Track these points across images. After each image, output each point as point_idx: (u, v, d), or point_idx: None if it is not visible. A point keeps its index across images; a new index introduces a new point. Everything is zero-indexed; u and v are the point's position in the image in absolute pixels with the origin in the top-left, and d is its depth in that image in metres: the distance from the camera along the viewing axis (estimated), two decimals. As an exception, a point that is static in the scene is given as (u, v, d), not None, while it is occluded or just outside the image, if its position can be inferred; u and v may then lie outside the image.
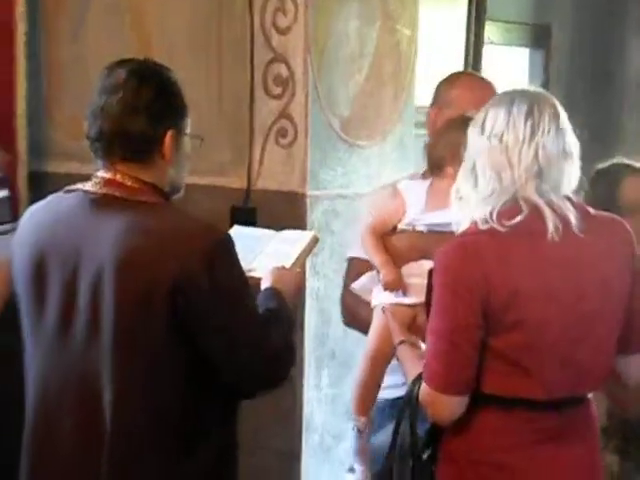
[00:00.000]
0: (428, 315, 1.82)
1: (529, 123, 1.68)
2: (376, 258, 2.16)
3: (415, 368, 1.86)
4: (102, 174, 1.78)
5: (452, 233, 1.92)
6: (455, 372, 1.71)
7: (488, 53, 3.80)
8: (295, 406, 2.64)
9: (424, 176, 2.29)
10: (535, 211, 1.65)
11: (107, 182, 1.77)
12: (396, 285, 2.12)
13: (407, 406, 1.85)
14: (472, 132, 1.77)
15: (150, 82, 1.79)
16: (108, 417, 1.71)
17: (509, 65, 4.26)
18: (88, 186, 1.80)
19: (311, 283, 2.65)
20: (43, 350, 1.85)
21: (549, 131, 1.69)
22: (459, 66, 3.57)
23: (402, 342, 1.99)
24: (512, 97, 1.74)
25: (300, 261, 2.16)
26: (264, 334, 1.79)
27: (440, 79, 2.60)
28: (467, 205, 1.76)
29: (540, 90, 1.83)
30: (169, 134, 1.77)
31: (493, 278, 1.67)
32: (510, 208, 1.66)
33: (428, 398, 1.74)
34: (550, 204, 1.66)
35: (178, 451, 1.76)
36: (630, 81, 4.41)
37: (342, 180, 2.83)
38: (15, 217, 2.52)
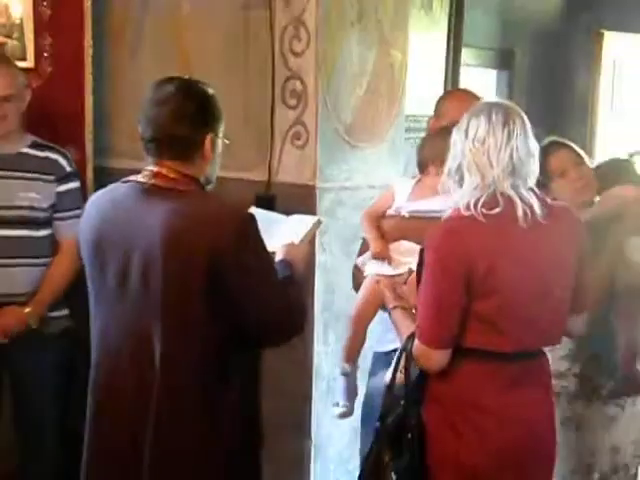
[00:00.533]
0: (419, 285, 2.09)
1: (506, 130, 1.94)
2: (369, 235, 2.53)
3: (408, 328, 2.13)
4: (151, 168, 2.02)
5: (430, 219, 2.29)
6: (442, 330, 1.98)
7: (464, 73, 4.16)
8: (307, 358, 2.90)
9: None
10: (509, 202, 1.92)
11: (155, 175, 2.02)
12: (382, 255, 2.48)
13: (402, 358, 2.07)
14: (457, 137, 2.04)
15: (192, 96, 2.05)
16: (157, 358, 1.96)
17: (480, 83, 4.56)
18: (140, 178, 2.05)
19: (320, 258, 2.96)
20: (105, 308, 2.12)
21: (520, 136, 1.95)
22: (440, 83, 3.91)
23: (395, 307, 2.28)
24: (490, 108, 2.00)
25: (307, 238, 2.42)
26: (284, 294, 2.03)
27: (426, 93, 2.99)
28: (452, 196, 2.03)
29: (510, 103, 2.11)
30: (208, 138, 2.04)
31: (474, 255, 1.93)
32: (490, 200, 1.92)
33: (419, 352, 2.01)
34: (520, 196, 1.94)
35: (215, 383, 2.00)
36: (575, 99, 4.76)
37: (345, 175, 3.12)
38: (85, 203, 2.87)
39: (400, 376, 2.24)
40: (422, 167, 2.47)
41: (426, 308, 2.01)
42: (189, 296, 1.96)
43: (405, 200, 2.49)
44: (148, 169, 2.03)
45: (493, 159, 1.95)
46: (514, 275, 1.95)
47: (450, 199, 2.11)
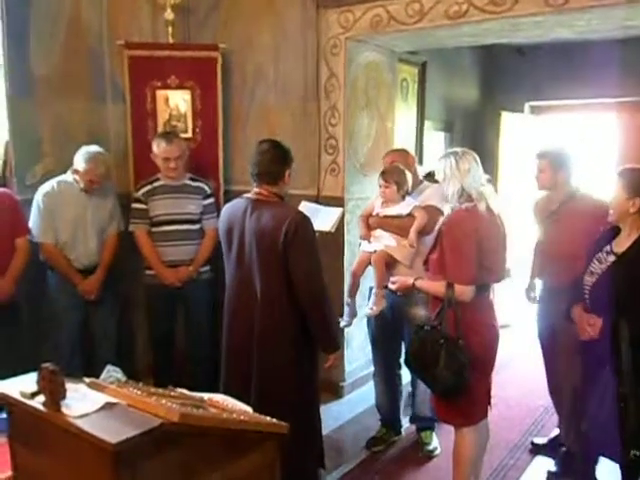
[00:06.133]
0: (429, 257, 2.78)
1: (472, 160, 2.72)
2: (360, 225, 3.53)
3: (437, 284, 2.74)
4: (256, 189, 2.76)
5: (392, 217, 3.29)
6: (471, 273, 2.62)
7: (426, 135, 5.36)
8: (339, 292, 3.92)
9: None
10: (486, 202, 2.69)
11: (258, 193, 2.76)
12: (365, 238, 3.48)
13: (449, 301, 2.66)
14: (444, 167, 2.73)
15: (279, 149, 2.80)
16: (258, 294, 2.72)
17: (435, 141, 5.98)
18: (250, 195, 2.79)
19: (346, 237, 4.19)
20: (230, 270, 2.85)
21: (478, 164, 2.74)
22: (413, 141, 5.07)
23: (416, 279, 2.91)
24: (457, 153, 2.76)
25: (337, 223, 3.54)
26: (316, 269, 2.67)
27: (405, 146, 4.00)
28: (448, 202, 2.77)
29: (465, 149, 2.82)
30: (287, 172, 2.79)
31: (480, 231, 2.64)
32: (473, 201, 2.65)
33: (461, 290, 2.63)
34: (486, 199, 2.68)
35: (290, 308, 2.69)
36: (486, 151, 5.54)
37: (359, 191, 4.35)
38: (218, 212, 3.81)
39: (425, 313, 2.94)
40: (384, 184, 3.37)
41: (460, 262, 2.62)
42: (274, 260, 2.65)
43: (378, 206, 3.47)
44: (254, 190, 2.79)
45: (468, 179, 2.68)
46: (495, 243, 2.71)
47: (400, 207, 3.27)
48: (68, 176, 3.81)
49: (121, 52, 4.33)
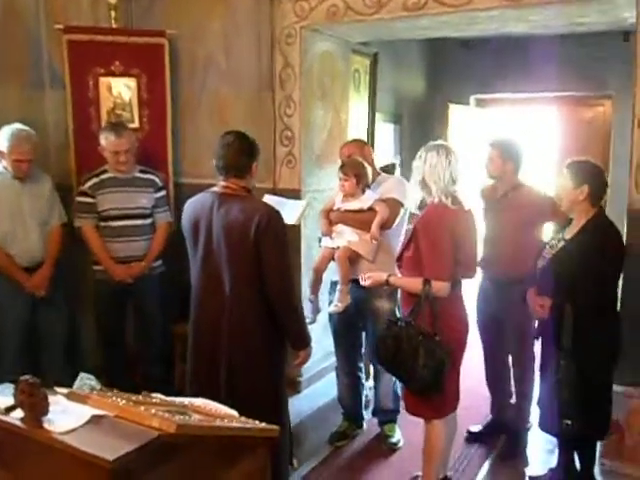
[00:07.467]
0: (403, 251, 2.76)
1: (449, 158, 2.72)
2: (322, 221, 3.50)
3: (413, 281, 2.73)
4: (222, 183, 2.68)
5: (353, 212, 3.28)
6: (449, 269, 2.65)
7: (377, 126, 5.40)
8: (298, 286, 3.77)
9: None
10: (456, 198, 2.70)
11: (225, 187, 2.68)
12: (327, 233, 3.45)
13: (426, 296, 2.65)
14: (419, 162, 2.73)
15: (244, 140, 2.72)
16: (227, 290, 2.64)
17: (385, 131, 5.96)
18: (216, 189, 2.69)
19: (303, 231, 4.12)
20: (197, 264, 2.77)
21: (452, 161, 2.72)
22: (365, 132, 5.12)
23: (389, 276, 2.92)
24: (436, 146, 2.77)
25: (303, 214, 3.45)
26: (284, 260, 2.62)
27: (357, 137, 4.06)
28: (427, 195, 2.74)
29: (444, 142, 2.90)
30: (254, 165, 2.72)
31: (454, 227, 2.67)
32: (447, 197, 2.65)
33: (439, 286, 2.64)
34: (458, 196, 2.71)
35: (258, 302, 2.62)
36: None
37: (316, 183, 4.32)
38: (169, 204, 4.04)
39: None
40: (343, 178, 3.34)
41: (438, 258, 2.64)
42: (244, 255, 2.60)
43: (339, 201, 3.47)
44: (221, 184, 2.71)
45: (445, 174, 2.69)
46: (468, 237, 2.77)
47: (361, 201, 3.25)
48: (-3, 167, 3.58)
49: (59, 36, 4.13)
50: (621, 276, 2.95)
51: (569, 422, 2.78)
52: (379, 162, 4.00)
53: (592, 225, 2.84)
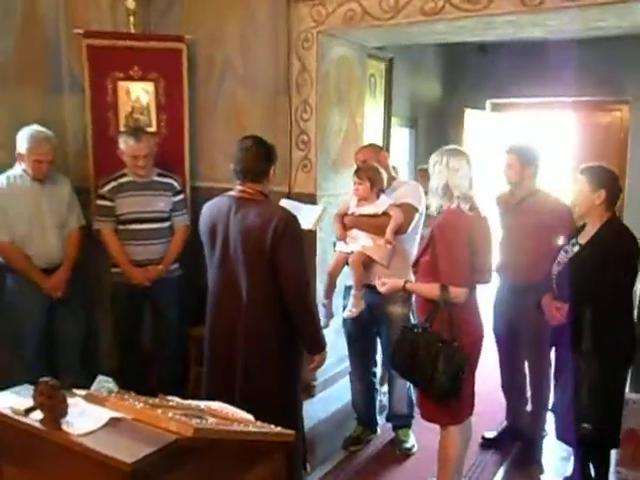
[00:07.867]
0: (420, 256, 2.73)
1: (465, 163, 2.71)
2: (336, 225, 3.46)
3: (430, 287, 2.70)
4: (239, 187, 2.68)
5: (368, 217, 3.22)
6: (466, 276, 2.65)
7: (393, 130, 5.38)
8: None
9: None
10: (474, 204, 2.70)
11: (242, 191, 2.69)
12: (342, 237, 3.41)
13: (444, 303, 2.63)
14: (435, 162, 2.71)
15: (262, 145, 2.72)
16: (244, 294, 2.65)
17: (401, 136, 5.94)
18: (233, 193, 2.70)
19: (318, 234, 4.05)
20: (214, 268, 2.78)
21: (470, 166, 2.72)
22: (381, 136, 5.09)
23: (406, 282, 2.92)
24: (455, 151, 2.76)
25: (320, 219, 3.50)
26: (300, 265, 2.61)
27: (374, 141, 4.04)
28: (447, 201, 2.71)
29: (458, 147, 2.87)
30: (272, 169, 2.74)
31: (471, 233, 2.66)
32: (465, 202, 2.64)
33: (457, 292, 2.62)
34: (476, 200, 2.68)
35: (276, 305, 2.62)
36: None
37: (332, 188, 4.28)
38: (186, 207, 4.03)
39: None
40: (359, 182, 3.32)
41: (455, 264, 2.63)
42: (260, 259, 2.60)
43: (353, 206, 3.43)
44: (237, 188, 2.72)
45: (464, 180, 2.69)
46: (483, 243, 2.75)
47: (375, 205, 3.19)
48: (16, 169, 3.65)
49: (79, 41, 4.17)
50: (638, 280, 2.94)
51: (587, 425, 2.78)
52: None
53: (607, 229, 2.85)
